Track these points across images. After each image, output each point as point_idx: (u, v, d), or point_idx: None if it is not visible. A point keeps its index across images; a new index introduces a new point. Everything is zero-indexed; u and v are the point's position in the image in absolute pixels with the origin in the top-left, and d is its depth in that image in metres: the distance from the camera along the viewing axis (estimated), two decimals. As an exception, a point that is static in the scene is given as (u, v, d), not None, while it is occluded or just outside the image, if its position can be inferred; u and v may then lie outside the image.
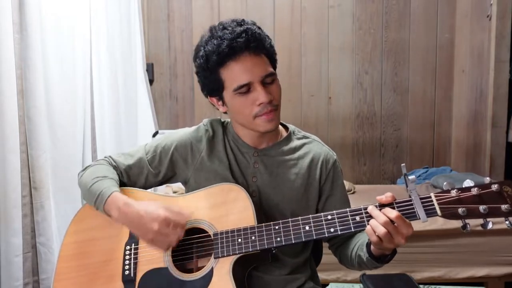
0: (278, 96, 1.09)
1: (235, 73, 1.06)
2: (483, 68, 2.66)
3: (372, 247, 1.01)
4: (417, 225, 2.05)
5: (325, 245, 1.29)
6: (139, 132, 2.83)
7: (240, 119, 1.13)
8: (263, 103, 1.06)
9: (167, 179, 1.24)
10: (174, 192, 2.50)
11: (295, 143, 1.20)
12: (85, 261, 1.11)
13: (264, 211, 1.13)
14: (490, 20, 2.53)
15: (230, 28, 1.05)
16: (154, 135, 2.84)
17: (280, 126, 1.23)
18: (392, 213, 0.91)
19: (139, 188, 1.22)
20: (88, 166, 1.22)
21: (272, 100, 1.07)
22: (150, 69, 3.14)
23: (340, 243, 1.20)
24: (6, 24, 1.76)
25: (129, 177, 1.21)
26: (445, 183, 0.93)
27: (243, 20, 1.09)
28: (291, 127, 1.24)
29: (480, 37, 2.70)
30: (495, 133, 2.55)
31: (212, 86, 1.12)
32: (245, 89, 1.06)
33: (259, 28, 1.10)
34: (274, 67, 1.13)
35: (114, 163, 1.21)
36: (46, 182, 1.95)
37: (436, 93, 3.14)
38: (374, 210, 0.94)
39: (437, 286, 2.37)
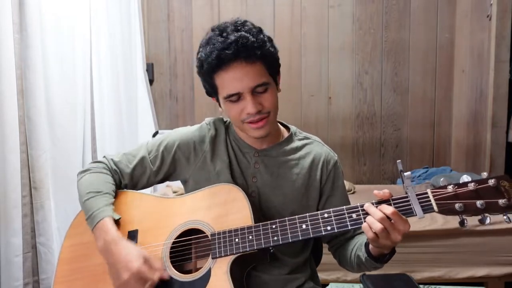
0: (270, 105, 1.08)
1: (225, 82, 1.06)
2: (483, 68, 2.66)
3: (370, 246, 1.01)
4: (417, 225, 2.06)
5: (325, 245, 1.29)
6: (139, 132, 2.83)
7: (233, 122, 1.15)
8: (250, 113, 1.06)
9: (167, 176, 1.24)
10: (174, 192, 2.50)
11: (296, 143, 1.20)
12: (84, 263, 1.11)
13: (263, 212, 1.13)
14: (490, 20, 2.52)
15: (224, 35, 1.04)
16: (154, 135, 2.84)
17: (281, 127, 1.23)
18: (388, 209, 0.92)
19: (141, 187, 1.23)
20: (87, 170, 1.20)
21: (261, 110, 1.06)
22: (150, 69, 3.14)
23: (339, 245, 1.21)
24: (6, 24, 1.76)
25: (132, 178, 1.21)
26: (441, 179, 0.93)
27: (242, 23, 1.07)
28: (293, 128, 1.24)
29: (480, 37, 2.70)
30: (495, 133, 2.55)
31: (209, 89, 1.14)
32: (235, 97, 1.06)
33: (258, 32, 1.07)
34: (273, 73, 1.11)
35: (114, 167, 1.20)
36: (46, 182, 1.95)
37: (436, 93, 3.14)
38: (371, 207, 0.94)
39: (437, 286, 2.37)
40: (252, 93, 1.05)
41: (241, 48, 1.02)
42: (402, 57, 3.13)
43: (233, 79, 1.04)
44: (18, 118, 1.82)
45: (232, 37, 1.02)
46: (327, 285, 2.16)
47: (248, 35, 1.04)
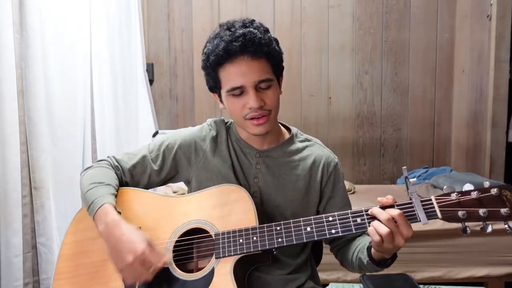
0: (273, 102, 1.09)
1: (230, 75, 1.07)
2: (483, 68, 2.66)
3: (372, 250, 1.02)
4: (417, 225, 2.05)
5: (326, 246, 1.29)
6: (139, 132, 2.83)
7: (234, 118, 1.15)
8: (253, 108, 1.06)
9: (170, 178, 1.24)
10: (174, 192, 2.50)
11: (297, 145, 1.21)
12: (85, 260, 1.11)
13: (265, 212, 1.14)
14: (490, 20, 2.53)
15: (232, 29, 1.06)
16: (154, 135, 2.84)
17: (282, 128, 1.24)
18: (394, 211, 0.92)
19: (142, 187, 1.22)
20: (90, 167, 1.21)
21: (263, 106, 1.07)
22: (150, 69, 3.14)
23: (341, 246, 1.21)
24: (6, 24, 1.76)
25: (133, 177, 1.21)
26: (445, 187, 0.94)
27: (251, 21, 1.09)
28: (294, 129, 1.24)
29: (480, 37, 2.70)
30: (495, 133, 2.55)
31: (212, 83, 1.14)
32: (238, 91, 1.07)
33: (265, 31, 1.09)
34: (277, 72, 1.12)
35: (116, 163, 1.21)
36: (46, 182, 1.95)
37: (436, 93, 3.15)
38: (377, 209, 0.95)
39: (437, 286, 2.37)
40: (255, 89, 1.06)
41: (248, 42, 1.03)
42: (402, 57, 3.13)
43: (238, 72, 1.05)
44: (18, 118, 1.82)
45: (240, 31, 1.04)
46: (327, 285, 2.16)
47: (256, 31, 1.06)
